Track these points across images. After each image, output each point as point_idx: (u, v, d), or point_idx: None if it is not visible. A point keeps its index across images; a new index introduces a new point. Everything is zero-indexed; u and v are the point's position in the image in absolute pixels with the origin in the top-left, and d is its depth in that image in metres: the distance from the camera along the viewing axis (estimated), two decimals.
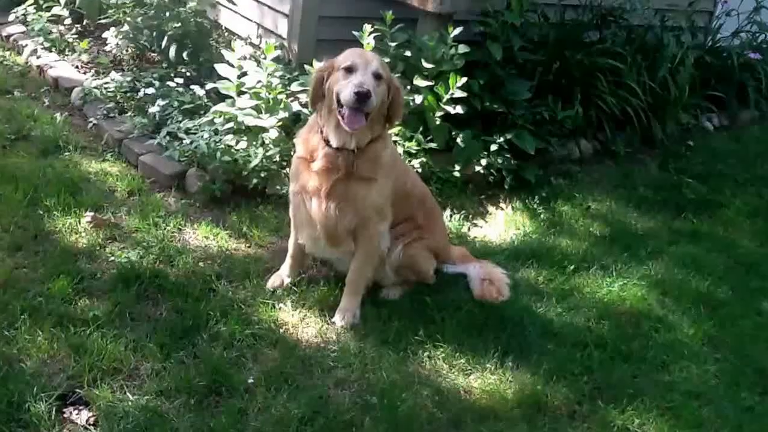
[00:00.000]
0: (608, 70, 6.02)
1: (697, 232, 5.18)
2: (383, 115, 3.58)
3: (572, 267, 4.48)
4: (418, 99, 5.02)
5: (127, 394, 3.08)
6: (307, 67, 5.04)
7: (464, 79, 4.98)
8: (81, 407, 3.00)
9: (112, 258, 3.90)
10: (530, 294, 4.19)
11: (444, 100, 5.01)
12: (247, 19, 6.07)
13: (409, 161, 4.76)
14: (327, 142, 3.57)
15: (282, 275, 3.97)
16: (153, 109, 5.09)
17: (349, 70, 3.46)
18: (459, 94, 4.98)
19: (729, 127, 7.13)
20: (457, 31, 5.13)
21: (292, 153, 4.04)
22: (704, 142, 6.72)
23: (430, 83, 5.04)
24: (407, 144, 4.86)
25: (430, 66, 5.07)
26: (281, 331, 3.61)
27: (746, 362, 3.91)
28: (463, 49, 5.12)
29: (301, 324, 3.69)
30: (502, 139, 5.21)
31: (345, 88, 3.40)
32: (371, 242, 3.75)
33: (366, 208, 3.65)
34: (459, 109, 5.05)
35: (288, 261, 3.99)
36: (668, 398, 3.56)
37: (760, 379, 3.81)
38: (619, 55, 6.16)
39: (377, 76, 3.47)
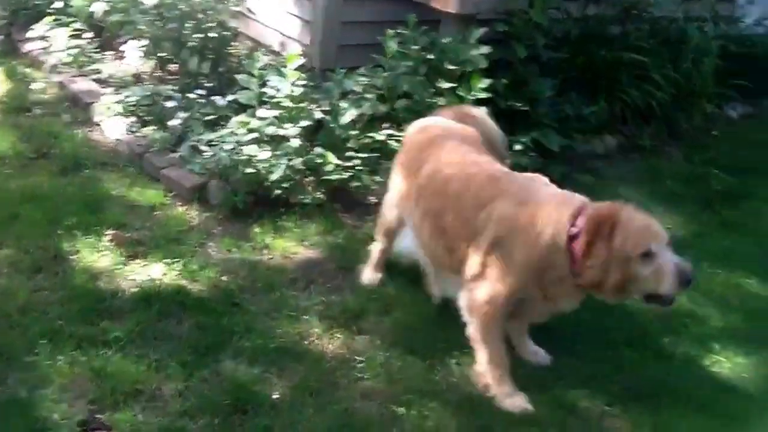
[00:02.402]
0: (632, 64, 5.96)
1: (725, 224, 5.12)
2: None
3: None
4: (442, 101, 4.95)
5: (150, 416, 3.03)
6: (329, 73, 5.00)
7: (488, 81, 4.93)
8: None
9: (134, 276, 3.87)
10: None
11: (467, 101, 4.94)
12: (268, 27, 6.04)
13: None
14: None
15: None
16: (174, 122, 5.06)
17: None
18: (482, 94, 4.92)
19: (753, 116, 7.01)
20: (481, 31, 5.06)
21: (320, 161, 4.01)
22: (729, 131, 6.62)
23: (453, 85, 4.98)
24: None
25: (453, 68, 5.01)
26: (306, 343, 3.56)
27: None
28: (486, 49, 5.06)
29: (327, 335, 3.63)
30: (526, 138, 5.13)
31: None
32: None
33: None
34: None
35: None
36: (700, 394, 3.50)
37: None
38: (642, 49, 6.08)
39: None
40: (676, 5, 6.60)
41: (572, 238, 3.10)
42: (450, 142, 3.67)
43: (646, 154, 5.96)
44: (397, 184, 3.84)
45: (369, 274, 4.06)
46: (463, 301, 3.41)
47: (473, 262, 3.32)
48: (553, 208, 3.21)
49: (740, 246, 4.83)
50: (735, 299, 4.27)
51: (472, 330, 3.38)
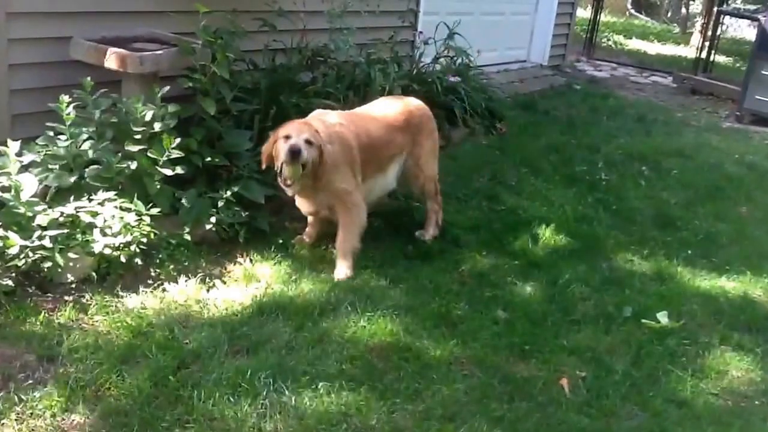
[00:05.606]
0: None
1: (428, 252, 5.34)
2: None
3: (317, 312, 4.42)
4: (133, 165, 4.75)
5: None
6: (2, 147, 4.59)
7: (178, 140, 4.81)
8: None
9: None
10: (280, 349, 4.06)
11: (161, 162, 4.79)
12: None
13: (130, 234, 4.48)
14: None
15: None
16: None
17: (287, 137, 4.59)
18: (176, 154, 4.80)
19: (444, 147, 7.47)
20: (165, 89, 4.93)
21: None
22: None
23: (143, 147, 4.79)
24: (126, 216, 4.54)
25: (140, 129, 4.82)
26: None
27: (491, 374, 4.06)
28: (173, 107, 4.94)
29: None
30: (228, 193, 5.08)
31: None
32: None
33: None
34: (179, 170, 4.86)
35: None
36: (425, 427, 3.60)
37: (506, 388, 3.97)
38: (332, 94, 6.28)
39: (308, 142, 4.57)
40: (357, 50, 6.93)
41: None
42: None
43: None
44: None
45: None
46: None
47: None
48: None
49: (444, 275, 5.08)
50: (446, 326, 4.46)
51: None
